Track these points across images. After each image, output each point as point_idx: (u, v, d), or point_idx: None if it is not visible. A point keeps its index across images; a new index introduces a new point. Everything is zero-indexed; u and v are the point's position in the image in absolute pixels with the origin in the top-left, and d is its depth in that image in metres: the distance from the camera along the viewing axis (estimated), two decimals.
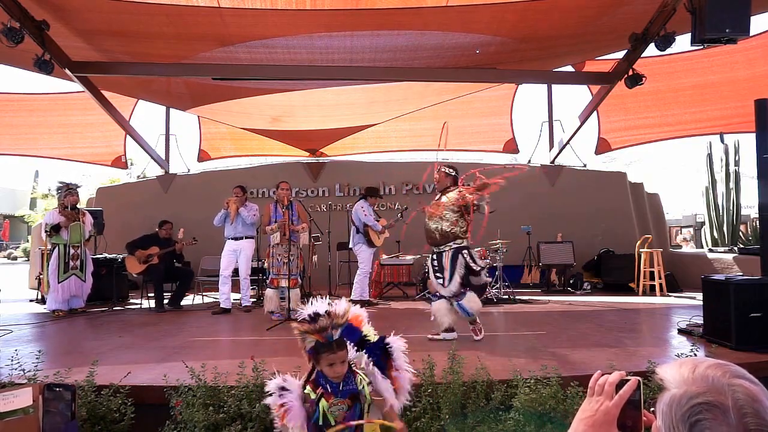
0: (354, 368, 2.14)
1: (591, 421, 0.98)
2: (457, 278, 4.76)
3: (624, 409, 0.97)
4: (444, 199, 4.96)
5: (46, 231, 6.83)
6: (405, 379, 2.26)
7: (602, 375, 1.02)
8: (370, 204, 7.40)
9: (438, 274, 4.88)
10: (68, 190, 7.02)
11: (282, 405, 2.03)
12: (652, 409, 0.92)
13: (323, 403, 2.04)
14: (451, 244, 4.84)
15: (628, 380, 0.99)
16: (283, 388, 2.06)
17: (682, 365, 0.89)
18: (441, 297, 4.87)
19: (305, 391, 2.07)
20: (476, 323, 4.85)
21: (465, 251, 4.84)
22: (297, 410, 2.03)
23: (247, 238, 6.99)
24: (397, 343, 2.26)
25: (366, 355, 2.19)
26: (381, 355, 2.22)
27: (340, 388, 2.07)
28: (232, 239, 6.95)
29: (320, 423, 2.04)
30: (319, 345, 2.04)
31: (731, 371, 0.85)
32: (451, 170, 5.09)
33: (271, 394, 2.08)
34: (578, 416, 1.01)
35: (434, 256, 4.95)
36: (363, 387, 2.10)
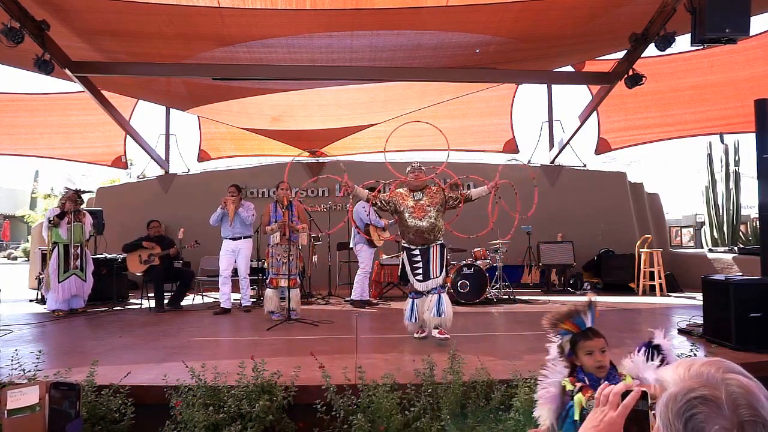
0: (621, 371, 2.00)
1: (596, 431, 0.98)
2: (444, 271, 4.86)
3: (629, 419, 0.97)
4: (423, 197, 5.00)
5: (49, 220, 6.86)
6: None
7: (608, 386, 1.02)
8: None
9: (420, 269, 4.89)
10: (76, 198, 7.04)
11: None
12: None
13: (579, 396, 1.95)
14: (440, 239, 4.97)
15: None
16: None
17: (679, 365, 0.91)
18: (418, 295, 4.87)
19: (562, 383, 2.01)
20: (441, 327, 4.76)
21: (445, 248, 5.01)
22: (551, 396, 2.00)
23: (245, 237, 7.00)
24: (666, 344, 2.04)
25: (642, 357, 1.91)
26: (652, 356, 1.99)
27: (602, 383, 1.94)
28: (230, 239, 6.96)
29: (576, 418, 1.93)
30: (574, 336, 2.02)
31: (725, 367, 0.86)
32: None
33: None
34: (584, 426, 1.02)
35: (416, 251, 4.95)
36: None
